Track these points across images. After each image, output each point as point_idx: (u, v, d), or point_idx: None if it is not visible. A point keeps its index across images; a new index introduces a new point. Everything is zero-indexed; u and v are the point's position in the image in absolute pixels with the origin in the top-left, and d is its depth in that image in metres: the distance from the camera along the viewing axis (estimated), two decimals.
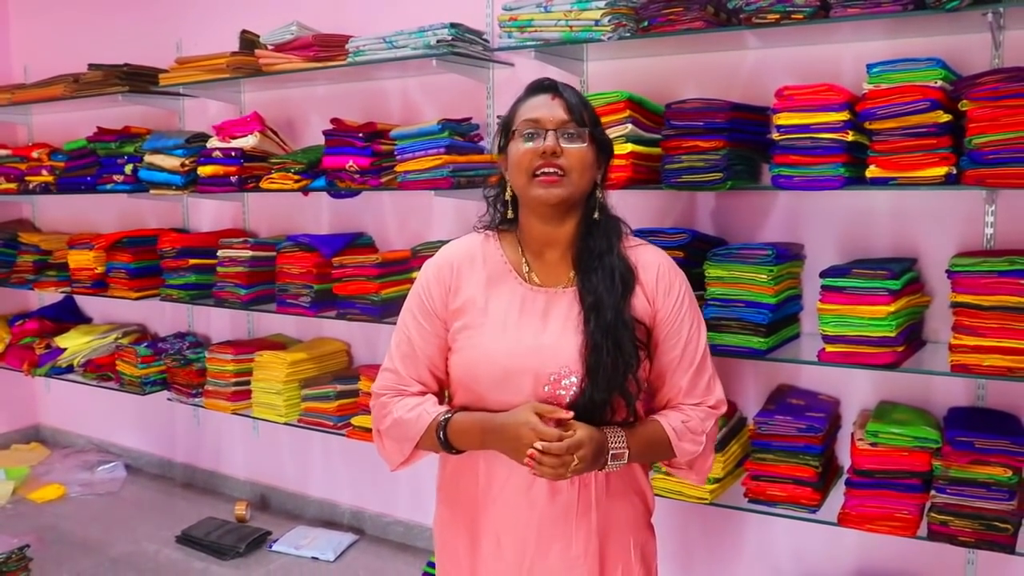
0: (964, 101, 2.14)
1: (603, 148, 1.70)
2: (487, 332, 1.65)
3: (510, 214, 1.73)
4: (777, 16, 2.32)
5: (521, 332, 1.63)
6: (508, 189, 1.71)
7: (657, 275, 1.69)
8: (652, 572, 1.79)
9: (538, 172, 1.60)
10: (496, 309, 1.66)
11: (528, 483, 1.63)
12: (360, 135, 3.14)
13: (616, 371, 1.59)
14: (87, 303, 4.79)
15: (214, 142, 3.57)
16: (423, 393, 1.72)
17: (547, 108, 1.63)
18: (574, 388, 1.59)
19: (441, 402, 1.74)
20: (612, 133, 2.44)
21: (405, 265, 3.19)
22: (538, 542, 1.65)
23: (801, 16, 2.30)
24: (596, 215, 1.69)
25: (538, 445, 1.50)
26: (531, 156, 1.60)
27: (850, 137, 2.25)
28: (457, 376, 1.70)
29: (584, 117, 1.64)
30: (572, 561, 1.65)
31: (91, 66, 3.99)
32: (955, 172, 2.16)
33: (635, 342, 1.62)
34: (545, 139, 1.60)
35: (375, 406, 1.76)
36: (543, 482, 1.62)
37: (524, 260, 1.71)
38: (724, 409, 1.76)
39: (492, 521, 1.68)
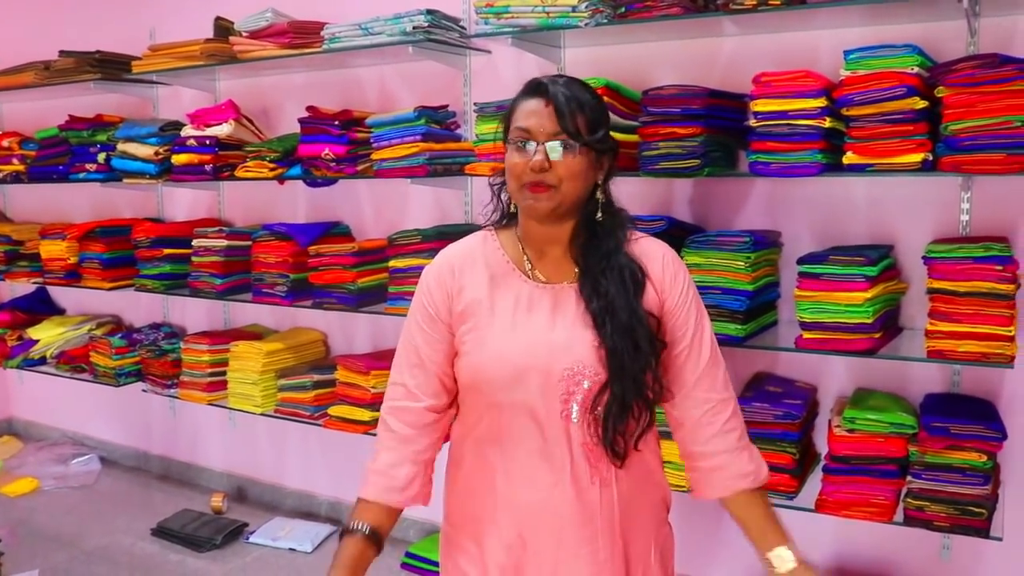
0: (940, 87, 2.15)
1: (604, 148, 1.65)
2: (495, 332, 1.61)
3: (513, 208, 1.70)
4: (754, 2, 2.31)
5: (531, 330, 1.60)
6: None
7: (663, 264, 1.66)
8: (669, 570, 1.76)
9: (527, 183, 1.58)
10: (503, 308, 1.62)
11: (549, 489, 1.59)
12: (336, 123, 3.11)
13: (638, 369, 1.56)
14: (60, 294, 4.73)
15: (188, 130, 3.53)
16: (433, 409, 1.66)
17: (537, 118, 1.58)
18: (594, 392, 1.56)
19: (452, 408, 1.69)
20: None
21: (382, 254, 3.16)
22: (562, 549, 1.61)
23: (778, 2, 2.29)
24: (599, 215, 1.66)
25: None
26: (521, 167, 1.58)
27: (827, 124, 2.25)
28: (466, 379, 1.65)
29: (577, 125, 1.57)
30: (598, 566, 1.61)
31: (62, 53, 3.94)
32: (931, 158, 2.17)
33: (651, 338, 1.60)
34: (535, 153, 1.56)
35: (379, 429, 1.69)
36: (566, 488, 1.58)
37: (526, 257, 1.68)
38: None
39: (512, 531, 1.63)
